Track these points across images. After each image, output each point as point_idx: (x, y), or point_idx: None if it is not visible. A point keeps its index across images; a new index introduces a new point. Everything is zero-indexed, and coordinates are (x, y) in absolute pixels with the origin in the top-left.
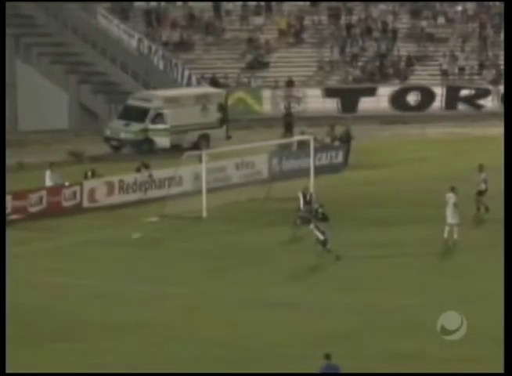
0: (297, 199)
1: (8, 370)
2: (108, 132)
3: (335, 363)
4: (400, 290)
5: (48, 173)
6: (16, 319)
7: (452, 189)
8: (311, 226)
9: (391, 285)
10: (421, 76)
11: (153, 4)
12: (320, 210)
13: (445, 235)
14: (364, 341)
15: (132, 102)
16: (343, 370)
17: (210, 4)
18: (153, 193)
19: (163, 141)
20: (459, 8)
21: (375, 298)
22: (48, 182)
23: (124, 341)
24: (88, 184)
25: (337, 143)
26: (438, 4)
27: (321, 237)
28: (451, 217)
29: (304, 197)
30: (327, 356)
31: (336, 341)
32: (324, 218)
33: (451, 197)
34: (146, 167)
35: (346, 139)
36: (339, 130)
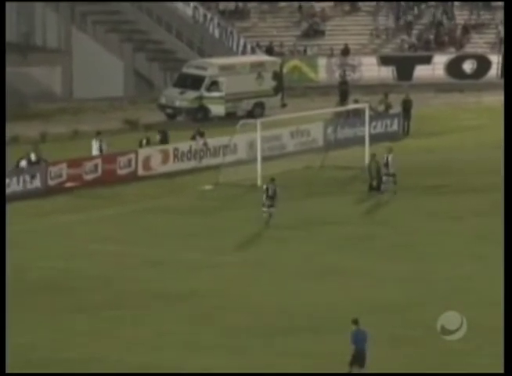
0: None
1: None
2: (163, 100)
3: (363, 329)
4: (453, 259)
5: (94, 142)
6: (70, 287)
7: None
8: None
9: (444, 254)
10: (477, 44)
11: None
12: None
13: None
14: (415, 309)
15: (187, 70)
16: (371, 337)
17: None
18: (208, 161)
19: (218, 109)
20: None
21: (427, 267)
22: (95, 151)
23: (177, 310)
24: (143, 152)
25: (391, 111)
26: None
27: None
28: None
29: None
30: (355, 322)
31: (388, 310)
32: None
33: None
34: (201, 135)
35: (407, 108)
36: (398, 98)
